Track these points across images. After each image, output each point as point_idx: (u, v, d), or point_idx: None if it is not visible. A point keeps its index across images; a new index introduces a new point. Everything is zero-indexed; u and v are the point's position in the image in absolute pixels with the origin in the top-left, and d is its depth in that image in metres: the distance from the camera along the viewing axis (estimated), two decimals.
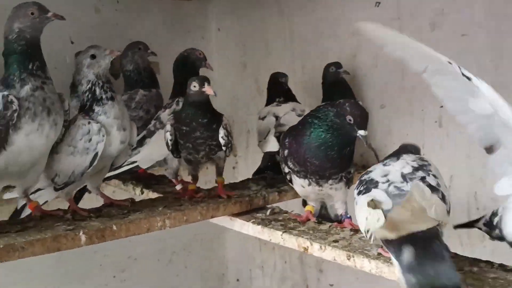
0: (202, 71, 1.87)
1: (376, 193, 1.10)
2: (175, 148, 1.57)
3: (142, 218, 1.33)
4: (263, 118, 1.90)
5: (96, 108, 1.35)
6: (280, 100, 1.96)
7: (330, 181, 1.36)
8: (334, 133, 1.28)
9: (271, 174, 1.82)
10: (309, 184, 1.39)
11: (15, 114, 1.14)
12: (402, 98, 2.04)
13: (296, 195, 1.62)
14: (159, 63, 2.52)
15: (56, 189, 1.38)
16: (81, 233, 1.21)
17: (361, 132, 1.25)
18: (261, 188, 1.69)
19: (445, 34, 1.88)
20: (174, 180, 1.78)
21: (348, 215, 1.42)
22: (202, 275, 2.76)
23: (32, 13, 1.22)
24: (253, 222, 1.47)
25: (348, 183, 1.42)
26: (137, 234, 1.32)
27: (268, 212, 1.54)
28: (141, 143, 1.77)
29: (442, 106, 1.91)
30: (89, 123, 1.32)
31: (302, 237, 1.32)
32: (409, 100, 2.01)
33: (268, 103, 2.00)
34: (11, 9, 1.27)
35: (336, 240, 1.28)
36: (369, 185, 1.13)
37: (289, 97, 2.00)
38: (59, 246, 1.17)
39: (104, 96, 1.36)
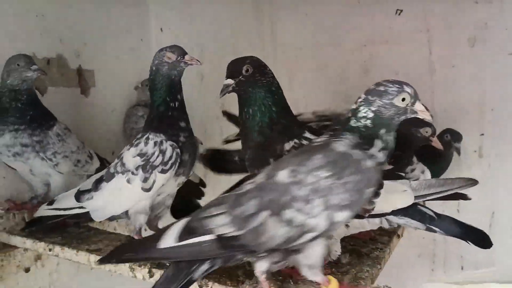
0: None
1: None
2: None
3: None
4: None
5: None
6: None
7: None
8: None
9: None
10: None
11: None
12: None
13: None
14: (94, 71, 1.78)
15: None
16: None
17: None
18: (348, 258, 1.19)
19: (489, 51, 1.65)
20: None
21: None
22: None
23: None
24: None
25: None
26: None
27: None
28: (96, 186, 1.15)
29: (482, 134, 1.70)
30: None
31: None
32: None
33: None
34: None
35: None
36: None
37: None
38: None
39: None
